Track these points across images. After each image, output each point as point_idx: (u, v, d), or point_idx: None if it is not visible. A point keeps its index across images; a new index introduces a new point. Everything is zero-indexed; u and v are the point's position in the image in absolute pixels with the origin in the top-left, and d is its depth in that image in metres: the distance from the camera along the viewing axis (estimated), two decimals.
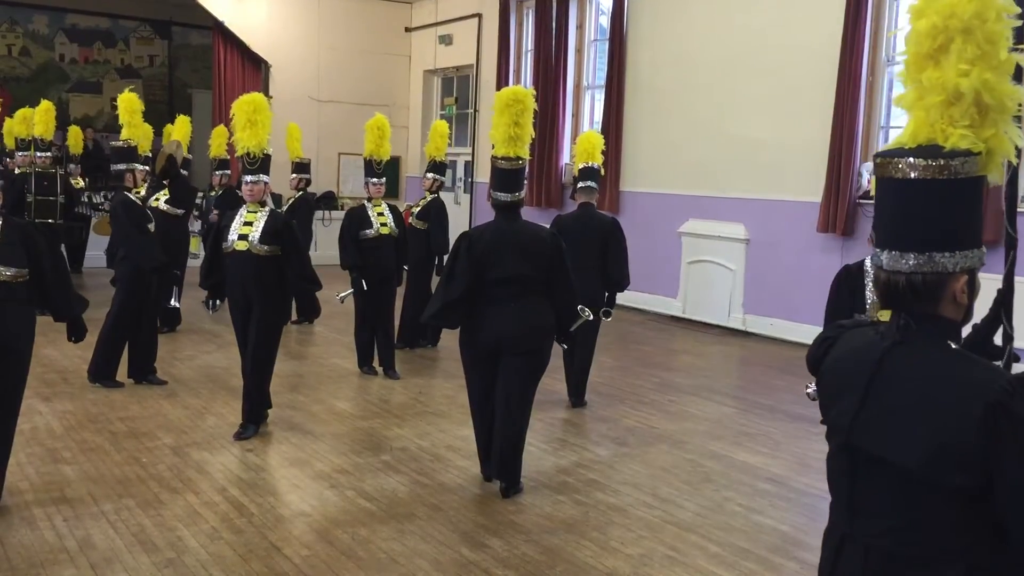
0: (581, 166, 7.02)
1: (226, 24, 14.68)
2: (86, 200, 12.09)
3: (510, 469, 5.00)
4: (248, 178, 5.87)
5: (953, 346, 1.81)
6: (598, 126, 12.28)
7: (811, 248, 9.51)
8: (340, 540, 4.32)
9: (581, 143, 7.23)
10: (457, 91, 15.93)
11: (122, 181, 7.15)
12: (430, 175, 8.66)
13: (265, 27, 15.04)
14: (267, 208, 5.93)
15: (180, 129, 9.73)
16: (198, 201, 10.65)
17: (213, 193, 11.12)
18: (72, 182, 11.60)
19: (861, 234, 8.97)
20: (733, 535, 4.57)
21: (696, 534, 4.56)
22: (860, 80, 9.06)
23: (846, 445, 1.91)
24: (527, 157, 5.20)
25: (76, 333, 4.88)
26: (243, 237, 5.76)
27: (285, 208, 10.27)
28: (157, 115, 15.85)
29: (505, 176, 5.10)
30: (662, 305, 11.20)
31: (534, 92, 5.25)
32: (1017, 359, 1.97)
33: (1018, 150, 1.92)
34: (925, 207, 1.80)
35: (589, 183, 6.92)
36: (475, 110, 14.88)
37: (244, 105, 5.86)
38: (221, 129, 11.68)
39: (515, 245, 4.98)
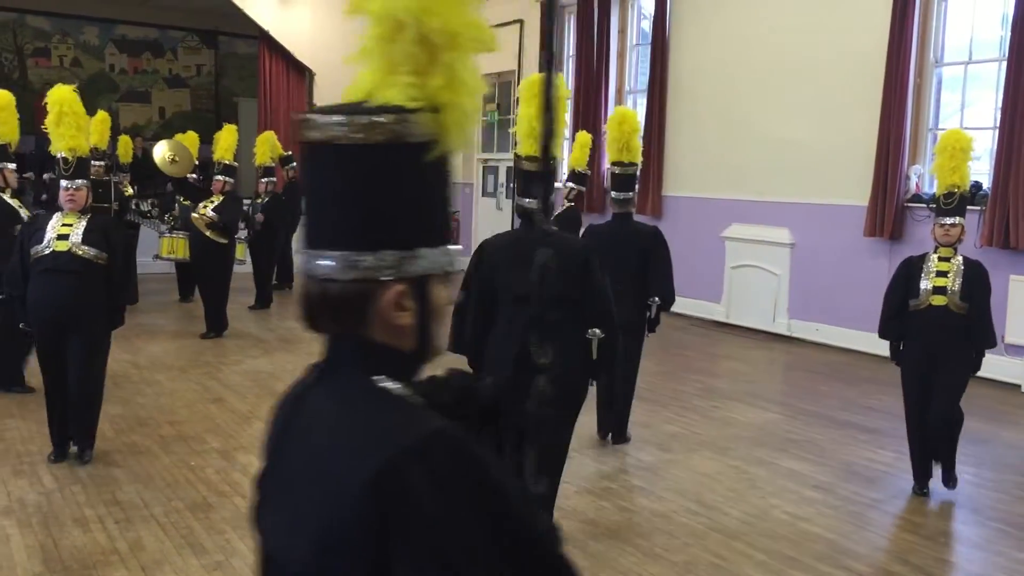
0: (616, 171, 6.08)
1: (271, 33, 14.90)
2: (135, 207, 12.31)
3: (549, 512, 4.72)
4: None
5: (382, 384, 1.23)
6: (640, 131, 12.19)
7: (857, 252, 9.38)
8: None
9: (614, 125, 6.15)
10: (498, 97, 15.97)
11: None
12: (570, 184, 8.71)
13: (309, 36, 15.21)
14: None
15: (227, 137, 9.89)
16: (244, 208, 10.82)
17: (259, 200, 11.29)
18: (122, 190, 11.82)
19: (909, 238, 8.84)
20: (779, 543, 4.52)
21: (741, 541, 4.52)
22: (908, 81, 8.92)
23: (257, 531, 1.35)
24: (558, 156, 4.55)
25: (112, 320, 5.45)
26: None
27: None
28: (204, 123, 16.16)
29: (530, 179, 4.24)
30: (705, 310, 11.11)
31: (564, 79, 4.73)
32: (550, 402, 1.43)
33: (549, 122, 1.46)
34: (341, 187, 1.22)
35: (627, 194, 5.96)
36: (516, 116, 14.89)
37: None
38: (266, 136, 11.85)
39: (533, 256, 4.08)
